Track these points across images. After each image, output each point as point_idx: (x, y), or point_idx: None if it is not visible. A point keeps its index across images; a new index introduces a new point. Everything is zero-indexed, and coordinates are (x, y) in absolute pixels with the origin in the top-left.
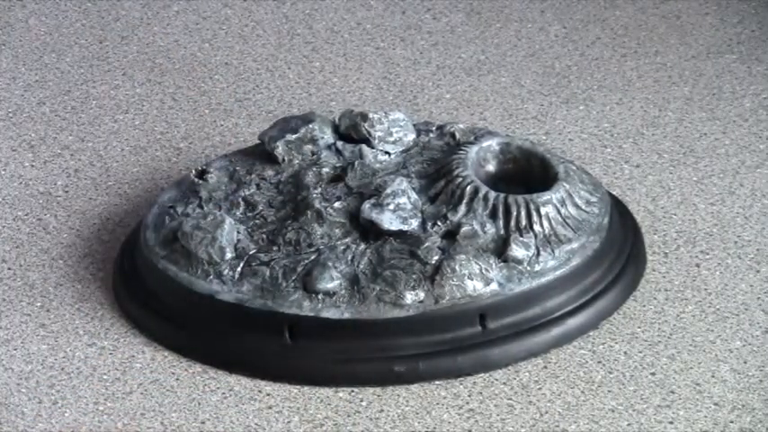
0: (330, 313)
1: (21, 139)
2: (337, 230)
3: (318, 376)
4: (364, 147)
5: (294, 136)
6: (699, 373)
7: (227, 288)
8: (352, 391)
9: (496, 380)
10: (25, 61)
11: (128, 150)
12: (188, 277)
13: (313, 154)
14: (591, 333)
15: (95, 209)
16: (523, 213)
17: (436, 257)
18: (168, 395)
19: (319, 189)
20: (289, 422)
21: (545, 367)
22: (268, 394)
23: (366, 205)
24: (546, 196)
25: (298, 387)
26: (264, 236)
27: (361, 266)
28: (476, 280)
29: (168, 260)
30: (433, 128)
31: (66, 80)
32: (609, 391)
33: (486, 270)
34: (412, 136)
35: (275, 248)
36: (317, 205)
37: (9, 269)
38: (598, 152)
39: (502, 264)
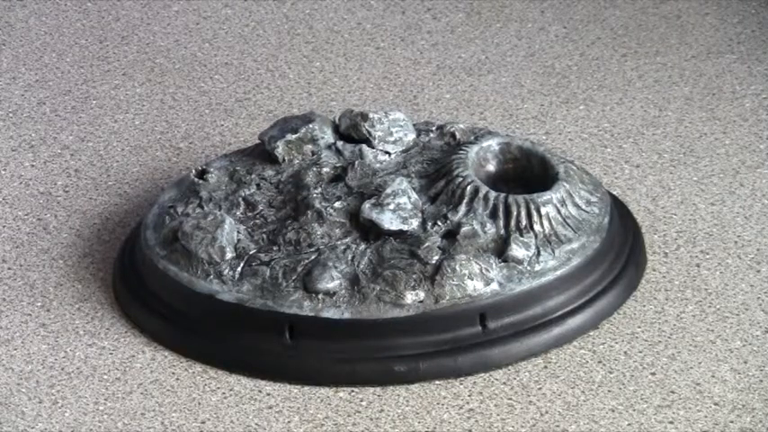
0: (330, 313)
1: (21, 139)
2: (337, 230)
3: (318, 376)
4: (364, 147)
5: (294, 136)
6: (699, 373)
7: (227, 288)
8: (352, 391)
9: (496, 380)
10: (25, 61)
11: (128, 150)
12: (188, 277)
13: (313, 154)
14: (591, 333)
15: (95, 209)
16: (524, 213)
17: (436, 257)
18: (168, 395)
19: (319, 189)
20: (289, 422)
21: (545, 367)
22: (268, 394)
23: (366, 205)
24: (546, 196)
25: (298, 387)
26: (264, 236)
27: (362, 266)
28: (476, 280)
29: (168, 260)
30: (433, 128)
31: (67, 80)
32: (609, 391)
33: (487, 270)
34: (412, 136)
35: (275, 248)
36: (317, 205)
37: (9, 269)
38: (598, 152)
39: (502, 264)
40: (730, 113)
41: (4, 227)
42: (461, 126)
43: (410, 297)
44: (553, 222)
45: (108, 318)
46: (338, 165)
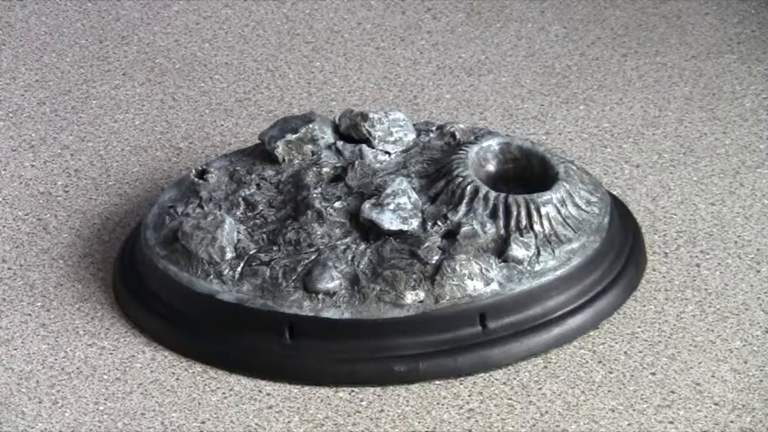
0: (330, 313)
1: (21, 139)
2: (337, 230)
3: (318, 376)
4: (364, 147)
5: (294, 136)
6: (699, 373)
7: (227, 288)
8: (352, 391)
9: (496, 380)
10: (25, 61)
11: (128, 150)
12: (188, 277)
13: (313, 154)
14: (591, 333)
15: (95, 209)
16: (524, 213)
17: (436, 257)
18: (168, 395)
19: (319, 189)
20: (289, 422)
21: (545, 367)
22: (268, 394)
23: (366, 205)
24: (546, 196)
25: (298, 387)
26: (264, 236)
27: (362, 266)
28: (476, 280)
29: (168, 260)
30: (433, 128)
31: (67, 80)
32: (609, 391)
33: (487, 270)
34: (412, 136)
35: (275, 248)
36: (317, 205)
37: (9, 269)
38: (598, 152)
39: (502, 264)
40: (730, 113)
41: (4, 227)
42: (461, 126)
43: (410, 297)
44: (553, 222)
45: (108, 318)
46: (338, 165)
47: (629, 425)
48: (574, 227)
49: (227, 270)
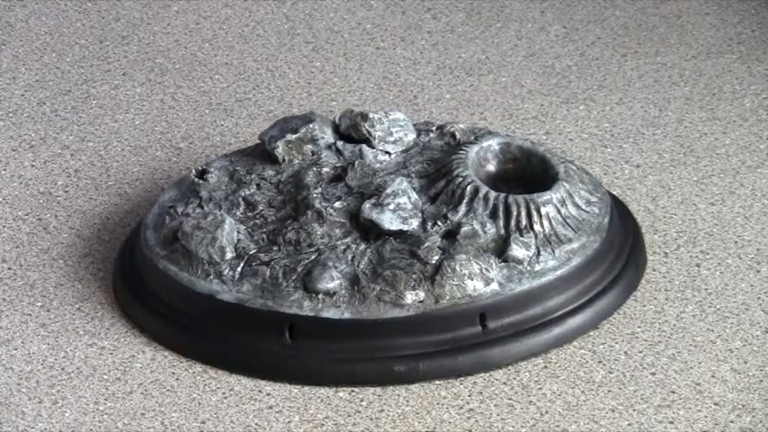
0: (330, 313)
1: (21, 139)
2: (337, 230)
3: (318, 376)
4: (364, 147)
5: (294, 136)
6: (699, 373)
7: (227, 288)
8: (352, 391)
9: (496, 380)
10: (25, 61)
11: (128, 150)
12: (188, 277)
13: (313, 154)
14: (591, 333)
15: (95, 209)
16: (524, 213)
17: (436, 257)
18: (168, 395)
19: (319, 189)
20: (289, 422)
21: (545, 367)
22: (268, 394)
23: (366, 205)
24: (546, 196)
25: (298, 387)
26: (264, 236)
27: (362, 266)
28: (476, 280)
29: (168, 260)
30: (433, 128)
31: (67, 80)
32: (609, 391)
33: (487, 270)
34: (412, 136)
35: (275, 248)
36: (318, 205)
37: (9, 269)
38: (598, 152)
39: (502, 264)
40: (730, 113)
41: (4, 227)
42: (461, 126)
43: (410, 297)
44: (553, 222)
45: (108, 318)
46: (338, 165)
47: (629, 425)
48: (574, 227)
49: (227, 270)
